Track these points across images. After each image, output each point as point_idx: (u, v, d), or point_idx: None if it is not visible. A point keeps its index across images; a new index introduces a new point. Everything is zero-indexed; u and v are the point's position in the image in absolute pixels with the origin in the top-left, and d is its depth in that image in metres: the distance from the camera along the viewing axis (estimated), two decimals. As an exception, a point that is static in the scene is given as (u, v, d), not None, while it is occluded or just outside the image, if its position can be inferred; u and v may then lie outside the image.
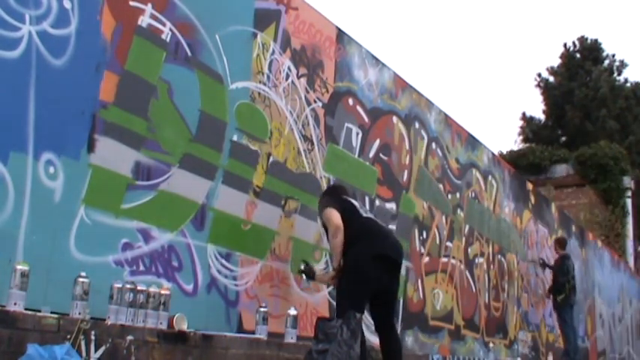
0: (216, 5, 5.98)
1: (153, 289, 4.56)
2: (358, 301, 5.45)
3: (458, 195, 10.04)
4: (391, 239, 5.94)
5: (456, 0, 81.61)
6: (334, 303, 6.89)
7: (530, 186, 13.49)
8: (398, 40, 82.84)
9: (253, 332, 5.55)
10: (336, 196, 6.14)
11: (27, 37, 4.40)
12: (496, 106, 75.11)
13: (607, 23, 70.96)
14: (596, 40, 33.71)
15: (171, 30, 5.46)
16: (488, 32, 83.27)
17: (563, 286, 11.65)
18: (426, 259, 8.98)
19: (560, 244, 12.39)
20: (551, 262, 12.49)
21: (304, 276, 6.23)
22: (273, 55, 6.58)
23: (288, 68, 6.78)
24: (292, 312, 5.78)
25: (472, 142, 10.78)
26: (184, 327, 4.65)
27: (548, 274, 12.50)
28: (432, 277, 9.07)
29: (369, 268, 5.48)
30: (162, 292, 4.60)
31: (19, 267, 3.84)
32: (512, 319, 11.61)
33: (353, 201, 6.15)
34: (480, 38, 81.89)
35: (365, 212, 6.22)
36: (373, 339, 7.47)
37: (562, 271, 11.78)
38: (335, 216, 5.71)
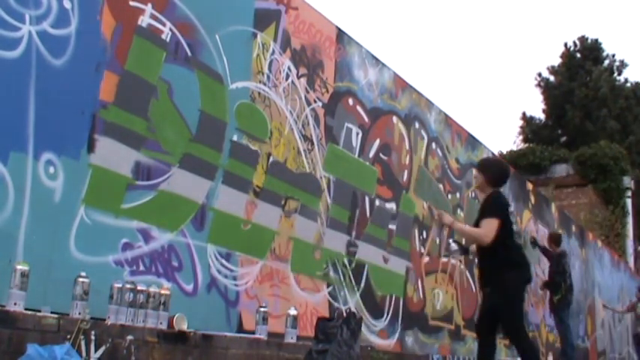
0: (216, 5, 5.98)
1: (153, 289, 4.56)
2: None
3: (458, 195, 10.04)
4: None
5: (456, 0, 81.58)
6: (334, 303, 6.92)
7: (530, 186, 13.48)
8: (398, 40, 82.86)
9: (253, 332, 5.55)
10: (505, 204, 5.99)
11: (27, 37, 4.41)
12: (496, 106, 75.09)
13: (607, 23, 70.99)
14: (596, 40, 33.69)
15: (171, 30, 5.46)
16: (489, 32, 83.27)
17: (559, 286, 11.20)
18: (426, 259, 8.98)
19: (555, 240, 11.74)
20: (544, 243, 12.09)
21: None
22: (273, 55, 6.58)
23: (288, 68, 6.78)
24: (292, 312, 5.78)
25: (472, 142, 10.78)
26: (184, 327, 4.65)
27: (541, 257, 12.16)
28: (432, 277, 9.07)
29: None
30: (162, 292, 4.61)
31: (19, 267, 3.84)
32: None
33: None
34: (480, 38, 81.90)
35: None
36: (372, 339, 7.50)
37: (558, 270, 11.29)
38: (494, 228, 5.58)
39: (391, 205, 8.30)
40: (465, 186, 10.28)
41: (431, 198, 9.22)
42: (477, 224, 5.71)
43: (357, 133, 7.75)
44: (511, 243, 5.76)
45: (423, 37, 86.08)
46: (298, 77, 6.91)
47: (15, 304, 3.76)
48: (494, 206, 5.70)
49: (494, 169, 5.99)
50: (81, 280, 4.07)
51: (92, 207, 4.72)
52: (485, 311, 5.77)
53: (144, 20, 5.26)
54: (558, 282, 11.18)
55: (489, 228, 5.54)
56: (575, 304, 14.56)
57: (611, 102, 29.92)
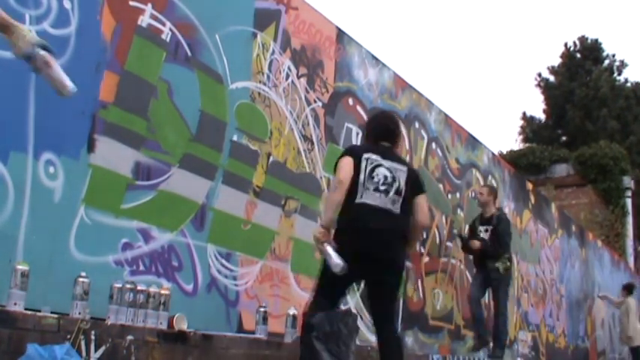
0: (216, 5, 5.98)
1: (153, 289, 4.56)
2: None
3: (458, 195, 10.04)
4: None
5: (456, 0, 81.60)
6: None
7: (530, 186, 13.48)
8: (398, 40, 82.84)
9: (253, 332, 5.55)
10: (369, 140, 5.35)
11: (27, 37, 4.40)
12: (496, 106, 75.08)
13: (607, 23, 70.98)
14: (596, 40, 33.70)
15: (171, 30, 5.46)
16: (489, 32, 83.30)
17: (505, 252, 8.72)
18: (426, 259, 8.98)
19: (494, 193, 9.27)
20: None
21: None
22: (273, 55, 6.58)
23: (288, 68, 6.79)
24: (292, 312, 5.78)
25: (472, 142, 10.78)
26: (184, 327, 4.65)
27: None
28: (432, 277, 9.07)
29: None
30: (162, 292, 4.60)
31: (19, 267, 3.84)
32: (512, 319, 11.60)
33: (378, 160, 5.05)
34: (480, 38, 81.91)
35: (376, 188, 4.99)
36: (373, 339, 7.49)
37: (508, 230, 8.95)
38: (344, 169, 4.90)
39: (391, 205, 8.27)
40: (465, 186, 10.28)
41: (431, 198, 9.21)
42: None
43: (357, 133, 7.75)
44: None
45: (423, 37, 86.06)
46: (298, 77, 6.91)
47: (15, 304, 3.76)
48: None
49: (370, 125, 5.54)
50: (81, 280, 4.07)
51: (92, 207, 4.72)
52: None
53: (144, 20, 5.26)
54: (507, 245, 8.82)
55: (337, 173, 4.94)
56: (574, 305, 14.60)
57: (611, 102, 29.92)
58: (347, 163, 4.92)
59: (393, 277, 5.05)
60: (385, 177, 4.98)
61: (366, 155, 5.00)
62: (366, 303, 5.19)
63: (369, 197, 4.89)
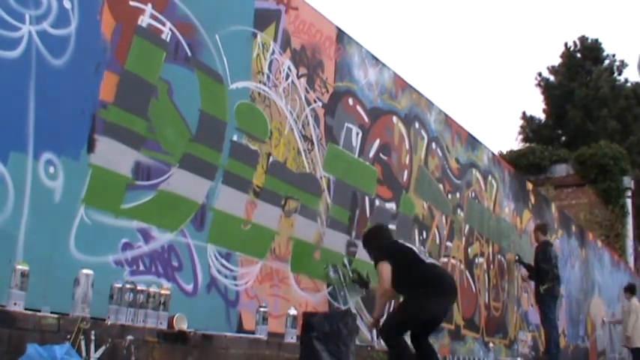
0: (216, 5, 5.97)
1: (153, 289, 4.56)
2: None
3: (458, 195, 10.04)
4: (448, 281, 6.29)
5: (457, 0, 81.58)
6: (334, 303, 6.92)
7: (530, 186, 13.48)
8: (398, 40, 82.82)
9: (253, 332, 5.55)
10: (386, 242, 6.41)
11: (27, 37, 4.41)
12: (496, 105, 75.08)
13: (607, 23, 70.99)
14: (596, 40, 33.69)
15: (171, 30, 5.46)
16: (489, 32, 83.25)
17: (546, 275, 10.62)
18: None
19: (542, 229, 11.40)
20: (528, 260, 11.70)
21: (357, 285, 6.56)
22: (273, 55, 6.58)
23: (288, 68, 6.78)
24: (292, 312, 5.79)
25: (472, 142, 10.78)
26: (184, 327, 4.65)
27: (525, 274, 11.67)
28: (432, 277, 9.04)
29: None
30: (162, 292, 4.60)
31: (19, 267, 3.84)
32: (512, 319, 11.61)
33: (407, 245, 6.48)
34: (480, 38, 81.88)
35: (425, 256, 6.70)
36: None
37: (545, 258, 10.74)
38: (385, 273, 5.94)
39: (391, 205, 8.30)
40: (465, 186, 10.27)
41: (431, 198, 9.22)
42: None
43: (357, 133, 7.75)
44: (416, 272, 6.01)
45: (423, 37, 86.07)
46: (298, 77, 6.91)
47: (15, 304, 3.76)
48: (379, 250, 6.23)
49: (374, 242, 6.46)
50: (83, 277, 4.06)
51: (92, 207, 4.72)
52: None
53: (144, 20, 5.26)
54: (544, 270, 10.69)
55: (380, 276, 6.00)
56: (574, 305, 14.59)
57: (612, 102, 29.91)
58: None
59: None
60: None
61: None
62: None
63: None
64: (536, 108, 58.00)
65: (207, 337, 4.86)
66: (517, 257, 11.72)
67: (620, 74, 33.03)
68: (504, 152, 25.32)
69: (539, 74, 33.77)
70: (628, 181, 23.17)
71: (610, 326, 17.26)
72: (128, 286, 4.40)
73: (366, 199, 7.82)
